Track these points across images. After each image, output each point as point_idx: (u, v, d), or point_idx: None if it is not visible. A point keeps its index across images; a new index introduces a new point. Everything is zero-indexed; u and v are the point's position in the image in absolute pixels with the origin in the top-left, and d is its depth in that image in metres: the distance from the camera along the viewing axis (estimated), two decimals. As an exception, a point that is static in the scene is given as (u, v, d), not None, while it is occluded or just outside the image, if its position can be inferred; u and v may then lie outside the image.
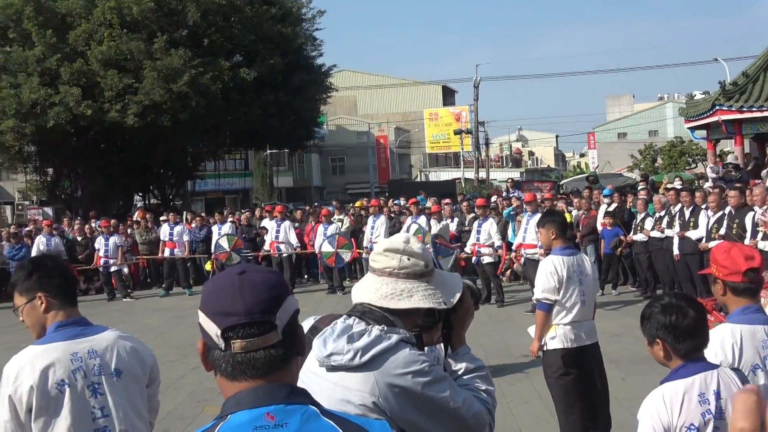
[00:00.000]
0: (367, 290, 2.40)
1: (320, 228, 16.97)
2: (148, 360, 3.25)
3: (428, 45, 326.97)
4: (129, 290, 18.06)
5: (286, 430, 1.57)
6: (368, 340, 2.22)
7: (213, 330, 1.63)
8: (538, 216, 13.17)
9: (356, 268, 18.07)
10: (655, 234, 13.39)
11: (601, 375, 6.03)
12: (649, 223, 13.79)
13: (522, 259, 13.53)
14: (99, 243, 17.99)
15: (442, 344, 2.60)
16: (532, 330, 6.07)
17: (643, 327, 2.99)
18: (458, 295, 2.45)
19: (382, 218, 16.74)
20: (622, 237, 14.29)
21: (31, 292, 3.07)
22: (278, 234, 17.55)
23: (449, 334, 2.55)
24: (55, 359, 2.98)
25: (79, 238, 19.67)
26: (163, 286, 18.05)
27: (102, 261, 17.73)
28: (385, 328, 2.27)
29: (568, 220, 14.19)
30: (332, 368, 2.24)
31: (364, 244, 16.59)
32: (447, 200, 19.07)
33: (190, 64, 25.27)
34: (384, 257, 2.43)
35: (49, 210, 34.51)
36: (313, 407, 1.63)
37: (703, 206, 12.46)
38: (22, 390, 2.88)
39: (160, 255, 18.31)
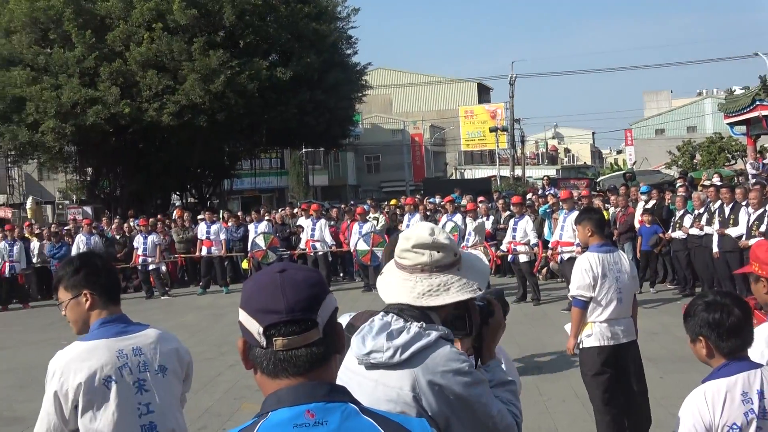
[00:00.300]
0: (401, 290, 2.35)
1: (355, 226, 17.00)
2: (185, 357, 3.29)
3: (464, 42, 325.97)
4: (167, 288, 18.25)
5: (326, 428, 1.56)
6: (408, 338, 2.19)
7: (255, 328, 1.64)
8: (575, 214, 13.09)
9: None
10: (694, 231, 13.22)
11: (639, 374, 5.96)
12: (688, 220, 13.61)
13: (558, 257, 13.43)
14: (137, 241, 18.21)
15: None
16: (568, 328, 6.02)
17: (686, 324, 2.95)
18: (488, 279, 2.43)
19: (417, 216, 16.73)
20: (661, 234, 14.13)
21: (77, 288, 3.12)
22: (314, 232, 17.63)
23: (480, 347, 2.50)
24: (102, 356, 3.02)
25: (117, 237, 19.94)
26: (201, 284, 18.21)
27: (140, 259, 17.95)
28: (424, 324, 2.24)
29: (606, 217, 14.06)
30: (372, 366, 2.22)
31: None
32: (482, 198, 19.01)
33: (227, 65, 25.49)
34: (414, 254, 2.38)
35: (88, 209, 34.96)
36: (353, 405, 1.63)
37: (744, 203, 12.27)
38: (68, 386, 2.92)
39: (197, 253, 18.47)
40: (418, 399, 2.18)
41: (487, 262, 2.54)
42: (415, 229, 2.45)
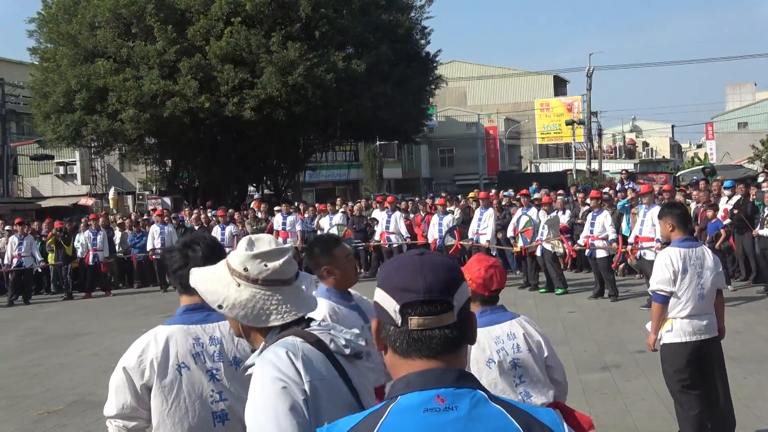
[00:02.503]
0: (286, 307, 2.42)
1: (434, 218, 16.98)
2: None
3: (540, 34, 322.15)
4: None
5: (457, 414, 1.57)
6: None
7: (391, 306, 1.66)
8: (655, 208, 12.83)
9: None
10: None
11: (722, 371, 5.80)
12: (773, 217, 13.20)
13: (638, 253, 13.16)
14: (215, 232, 18.52)
15: None
16: (649, 326, 5.91)
17: None
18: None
19: (490, 210, 16.59)
20: (722, 230, 13.76)
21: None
22: (388, 224, 17.69)
23: None
24: (179, 342, 3.07)
25: (196, 227, 20.35)
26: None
27: (219, 249, 18.25)
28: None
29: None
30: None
31: (470, 235, 16.47)
32: (560, 191, 18.77)
33: (305, 57, 25.73)
34: (289, 267, 2.45)
35: (167, 200, 35.83)
36: (481, 392, 1.63)
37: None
38: (145, 364, 2.97)
39: (273, 245, 18.71)
40: None
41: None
42: (265, 244, 2.47)
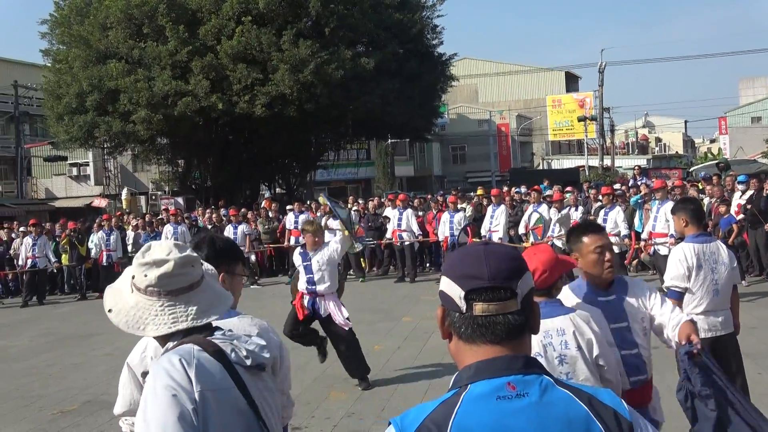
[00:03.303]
0: (172, 317, 2.37)
1: (445, 215, 16.94)
2: (272, 351, 3.26)
3: (551, 30, 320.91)
4: (256, 277, 18.57)
5: (528, 400, 1.62)
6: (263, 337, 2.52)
7: (456, 292, 1.71)
8: (668, 204, 12.76)
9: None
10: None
11: (739, 367, 5.75)
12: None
13: (651, 249, 13.09)
14: (228, 231, 18.57)
15: None
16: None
17: None
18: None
19: (502, 207, 16.55)
20: (734, 225, 13.67)
21: None
22: (400, 222, 17.65)
23: None
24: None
25: (209, 227, 20.39)
26: (289, 273, 18.47)
27: (231, 248, 18.28)
28: None
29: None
30: (264, 368, 2.39)
31: (482, 232, 16.42)
32: (570, 188, 18.69)
33: (316, 55, 25.74)
34: (179, 278, 2.37)
35: (180, 199, 35.95)
36: (548, 377, 1.67)
37: None
38: (147, 361, 2.95)
39: (285, 243, 18.73)
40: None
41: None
42: (160, 252, 2.40)
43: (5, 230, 20.98)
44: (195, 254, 2.42)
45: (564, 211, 15.05)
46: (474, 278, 1.69)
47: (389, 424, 1.69)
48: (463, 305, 1.70)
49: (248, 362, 2.29)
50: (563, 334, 3.63)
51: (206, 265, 2.55)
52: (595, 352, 3.66)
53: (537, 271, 3.60)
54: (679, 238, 6.19)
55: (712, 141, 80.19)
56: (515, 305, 1.70)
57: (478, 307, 1.68)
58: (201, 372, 2.20)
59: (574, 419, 1.61)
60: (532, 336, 3.61)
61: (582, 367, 3.60)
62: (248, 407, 2.26)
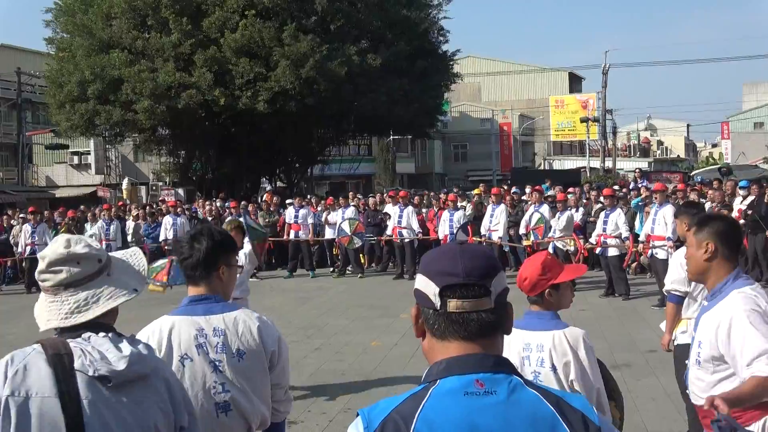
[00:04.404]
0: (51, 314, 2.24)
1: (445, 214, 16.91)
2: (270, 347, 3.24)
3: (556, 31, 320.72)
4: (255, 271, 18.53)
5: (496, 398, 1.63)
6: (144, 347, 2.25)
7: (431, 289, 1.73)
8: (667, 207, 12.77)
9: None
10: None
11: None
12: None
13: (649, 252, 13.09)
14: (228, 223, 18.53)
15: None
16: (664, 325, 5.87)
17: None
18: (145, 275, 2.41)
19: (502, 206, 16.53)
20: None
21: None
22: (401, 219, 17.63)
23: None
24: (181, 332, 3.10)
25: (209, 218, 20.38)
26: (288, 267, 18.47)
27: (230, 241, 18.28)
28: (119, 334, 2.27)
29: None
30: (127, 382, 2.17)
31: (482, 231, 16.40)
32: (572, 189, 18.68)
33: (318, 50, 25.71)
34: (51, 274, 2.25)
35: (180, 191, 35.94)
36: (517, 377, 1.69)
37: None
38: None
39: (285, 237, 18.73)
40: (173, 405, 2.29)
41: (142, 257, 2.48)
42: (50, 246, 2.31)
43: (5, 217, 20.98)
44: (82, 251, 2.26)
45: (567, 212, 14.96)
46: (449, 275, 1.71)
47: (357, 415, 1.70)
48: (437, 302, 1.71)
49: (90, 371, 2.11)
50: (541, 350, 3.53)
51: (120, 258, 2.43)
52: (572, 376, 3.50)
53: (527, 280, 3.57)
54: (679, 242, 6.18)
55: (714, 145, 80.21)
56: (489, 303, 1.71)
57: (452, 304, 1.70)
58: (19, 375, 2.11)
59: (539, 419, 1.63)
60: (514, 348, 3.58)
61: (557, 387, 3.41)
62: (64, 418, 2.08)
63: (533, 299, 3.62)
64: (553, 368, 3.48)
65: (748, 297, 3.48)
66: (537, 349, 3.53)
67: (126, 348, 2.17)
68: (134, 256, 2.46)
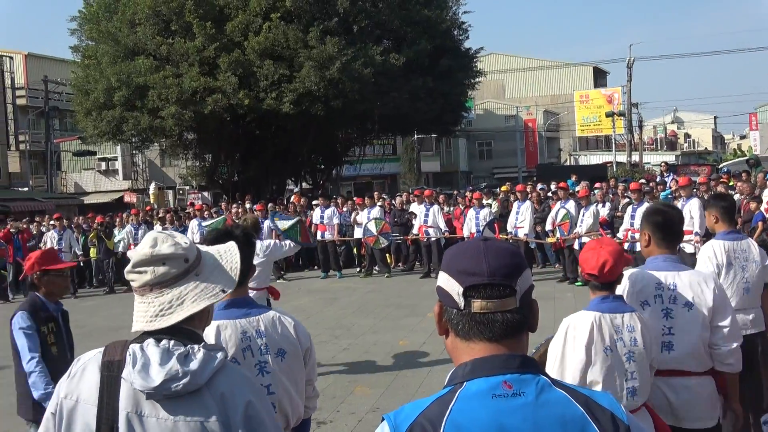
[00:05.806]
0: (138, 315, 2.15)
1: (471, 212, 16.87)
2: (305, 344, 3.32)
3: (580, 26, 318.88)
4: (282, 272, 18.64)
5: (524, 399, 1.61)
6: (200, 361, 2.03)
7: (455, 288, 1.70)
8: (693, 201, 12.65)
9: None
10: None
11: (768, 366, 5.68)
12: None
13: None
14: (254, 226, 18.62)
15: None
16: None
17: None
18: (237, 268, 2.23)
19: (528, 203, 16.46)
20: (759, 223, 13.51)
21: None
22: (427, 218, 17.61)
23: None
24: (227, 337, 3.12)
25: (236, 221, 20.49)
26: (321, 268, 18.53)
27: (258, 243, 18.38)
28: (205, 344, 2.12)
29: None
30: (168, 398, 2.02)
31: (508, 229, 16.35)
32: (599, 184, 18.54)
33: (343, 52, 25.75)
34: (137, 274, 2.15)
35: (207, 194, 36.16)
36: (545, 377, 1.66)
37: None
38: None
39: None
40: (226, 426, 2.04)
41: (236, 254, 2.30)
42: (139, 245, 2.20)
43: (35, 224, 21.25)
44: (167, 251, 2.15)
45: (592, 207, 14.88)
46: (473, 274, 1.68)
47: (383, 420, 1.68)
48: (461, 302, 1.69)
49: (135, 385, 2.02)
50: (633, 331, 3.59)
51: (212, 255, 2.28)
52: (652, 354, 3.66)
53: (607, 263, 3.55)
54: (707, 236, 6.11)
55: (742, 137, 79.37)
56: (514, 303, 1.68)
57: (477, 304, 1.67)
58: (74, 379, 2.13)
59: (569, 420, 1.60)
60: (607, 332, 3.57)
61: (645, 367, 3.59)
62: (96, 426, 2.04)
63: (606, 286, 3.62)
64: (645, 347, 3.58)
65: None
66: (629, 330, 3.58)
67: (170, 362, 2.02)
68: (228, 253, 2.31)
